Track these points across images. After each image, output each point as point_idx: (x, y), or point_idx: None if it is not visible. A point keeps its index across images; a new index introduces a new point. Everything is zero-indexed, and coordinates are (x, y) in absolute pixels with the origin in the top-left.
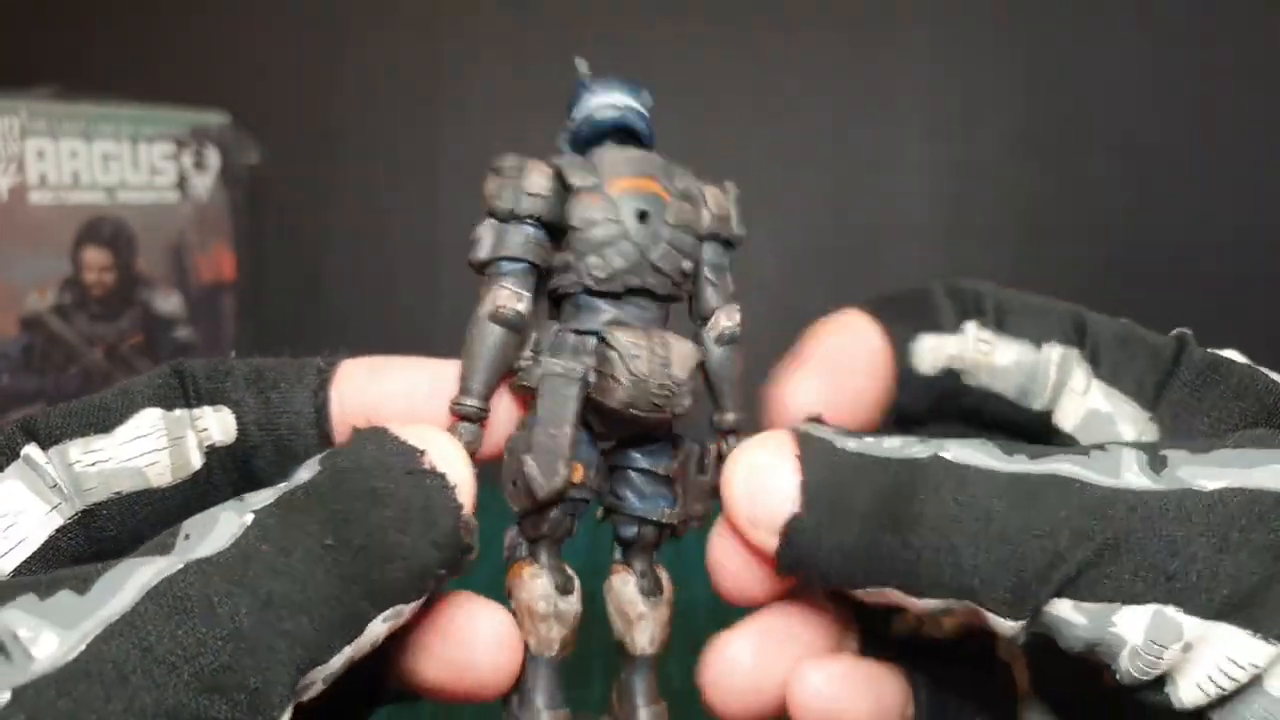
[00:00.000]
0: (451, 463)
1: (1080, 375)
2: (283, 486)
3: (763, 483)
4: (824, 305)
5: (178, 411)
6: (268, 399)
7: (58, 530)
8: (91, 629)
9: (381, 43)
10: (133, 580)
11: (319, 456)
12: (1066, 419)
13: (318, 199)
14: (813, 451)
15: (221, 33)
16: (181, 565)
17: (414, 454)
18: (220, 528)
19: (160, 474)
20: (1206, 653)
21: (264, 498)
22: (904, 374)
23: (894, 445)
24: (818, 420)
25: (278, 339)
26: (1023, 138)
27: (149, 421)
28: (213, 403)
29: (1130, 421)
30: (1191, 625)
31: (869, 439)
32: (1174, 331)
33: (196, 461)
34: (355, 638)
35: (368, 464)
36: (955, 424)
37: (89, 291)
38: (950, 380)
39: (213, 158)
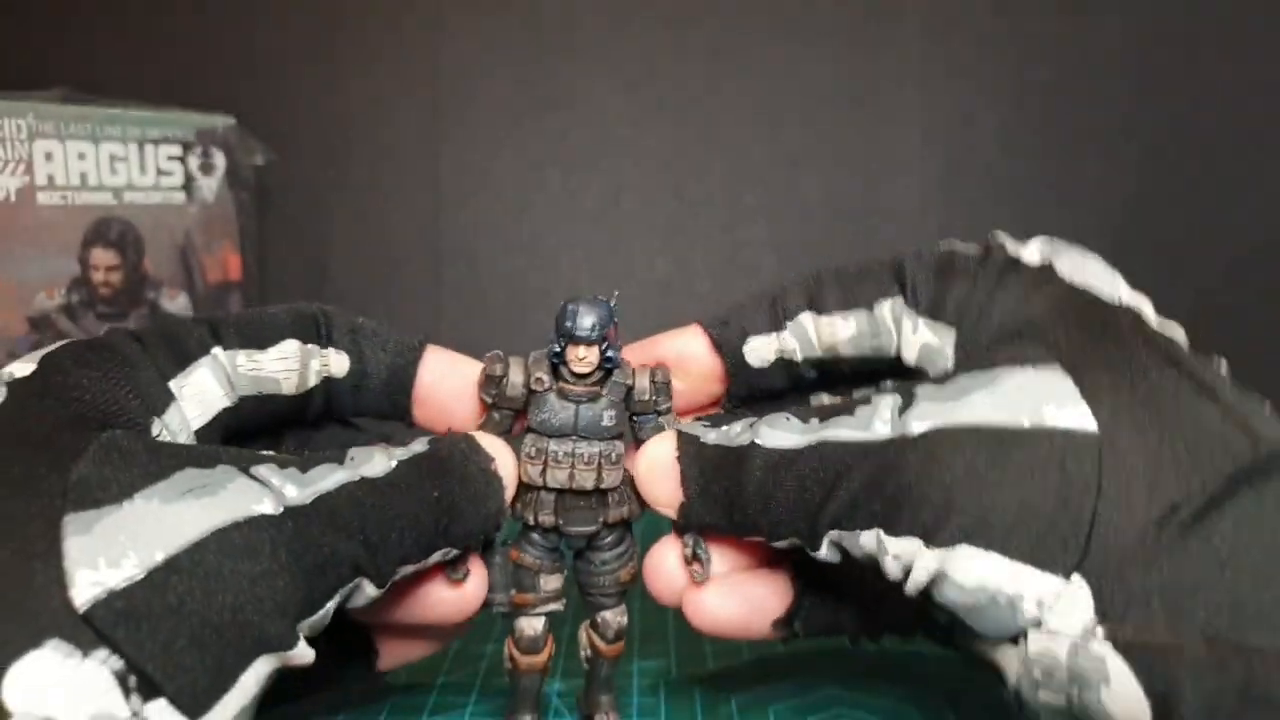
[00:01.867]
0: (507, 471)
1: (908, 320)
2: (410, 449)
3: (656, 477)
4: None
5: (309, 345)
6: (378, 356)
7: (222, 409)
8: (313, 493)
9: (386, 46)
10: (333, 476)
11: (429, 439)
12: (911, 356)
13: (323, 200)
14: (687, 450)
15: (228, 36)
16: (358, 478)
17: (489, 459)
18: (376, 461)
19: (289, 386)
20: (917, 563)
21: (400, 453)
22: (736, 366)
23: (735, 431)
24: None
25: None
26: (1016, 140)
27: (290, 348)
28: (338, 347)
29: (951, 345)
30: (892, 543)
31: (724, 428)
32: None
33: (311, 383)
34: (427, 557)
35: (460, 457)
36: (838, 387)
37: (96, 291)
38: (787, 366)
39: (219, 160)
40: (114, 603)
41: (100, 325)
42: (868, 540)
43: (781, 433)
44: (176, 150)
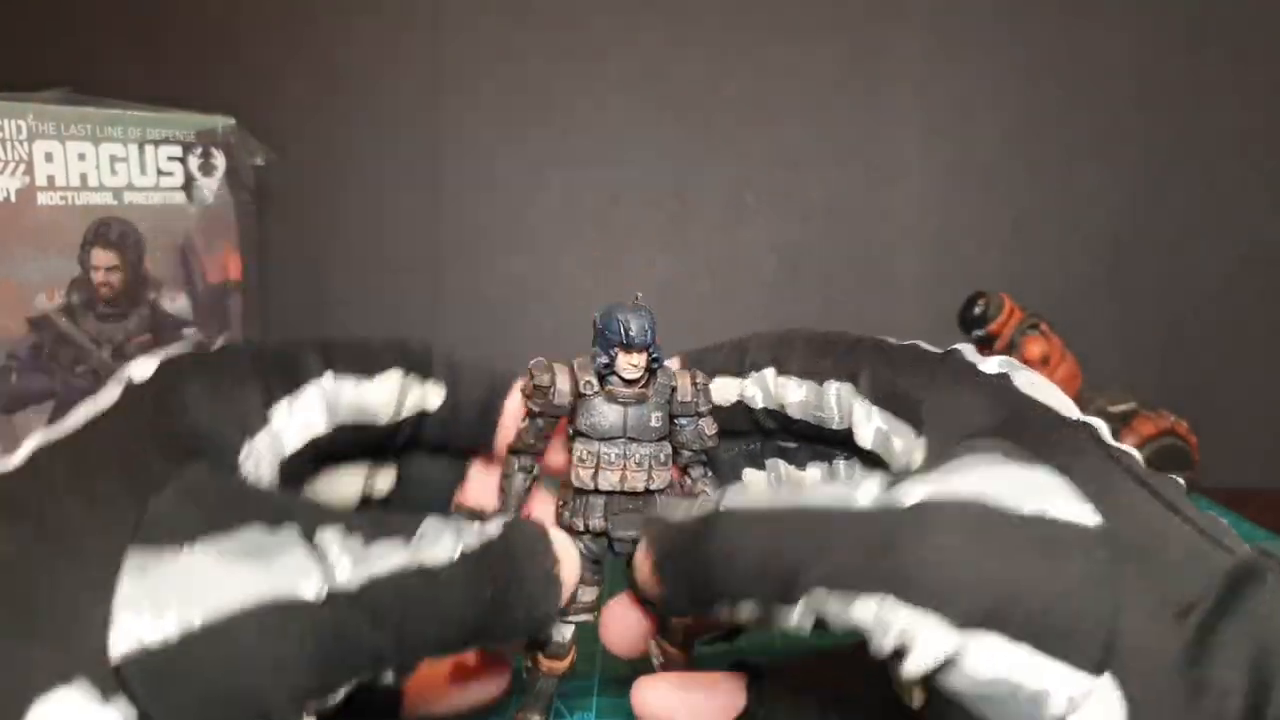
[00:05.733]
0: (568, 576)
1: (860, 407)
2: (483, 533)
3: (641, 579)
4: (820, 304)
5: (410, 376)
6: (472, 392)
7: (316, 436)
8: (365, 575)
9: (386, 46)
10: (392, 557)
11: (505, 523)
12: (864, 440)
13: (323, 201)
14: (653, 533)
15: (228, 37)
16: (416, 566)
17: (554, 562)
18: (443, 545)
19: (384, 416)
20: (926, 641)
21: (470, 540)
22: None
23: (705, 505)
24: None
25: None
26: (1016, 141)
27: (394, 380)
28: (436, 379)
29: (902, 437)
30: (901, 614)
31: (697, 502)
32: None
33: (404, 414)
34: (459, 652)
35: (526, 556)
36: (787, 437)
37: (97, 292)
38: (747, 410)
39: (219, 160)
40: (144, 660)
41: (100, 326)
42: (863, 608)
43: (749, 499)
44: (177, 151)
